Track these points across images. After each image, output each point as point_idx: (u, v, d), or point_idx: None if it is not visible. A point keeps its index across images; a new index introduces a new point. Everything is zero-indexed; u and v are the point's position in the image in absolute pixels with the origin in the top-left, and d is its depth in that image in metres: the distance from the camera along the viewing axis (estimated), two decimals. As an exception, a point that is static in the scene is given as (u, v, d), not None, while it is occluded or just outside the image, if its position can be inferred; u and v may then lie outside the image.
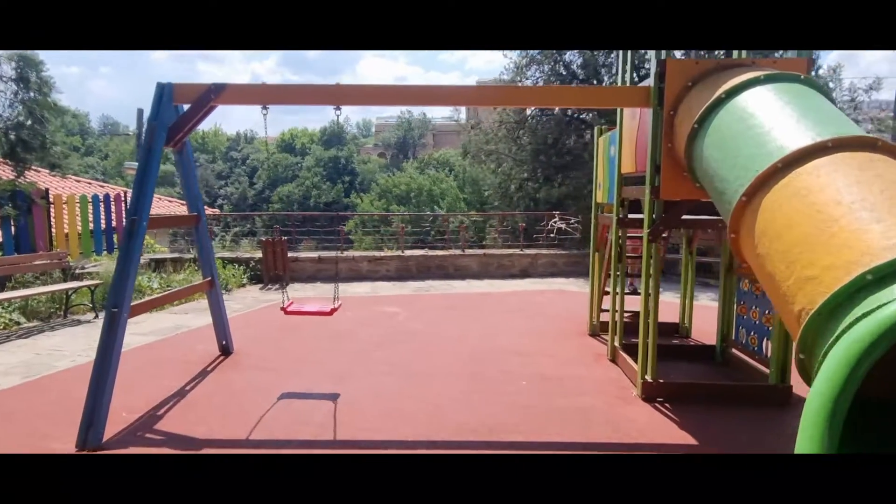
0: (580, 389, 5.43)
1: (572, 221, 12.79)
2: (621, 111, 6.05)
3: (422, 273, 11.82)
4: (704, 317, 7.77)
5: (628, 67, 6.00)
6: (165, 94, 5.05)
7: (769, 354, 5.35)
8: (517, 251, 12.40)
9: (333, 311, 5.51)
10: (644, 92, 5.01)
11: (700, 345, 6.65)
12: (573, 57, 14.58)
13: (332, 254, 11.76)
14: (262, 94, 5.08)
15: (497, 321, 8.24)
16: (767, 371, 5.44)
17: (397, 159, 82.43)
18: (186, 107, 5.25)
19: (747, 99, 4.04)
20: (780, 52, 8.10)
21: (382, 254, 11.99)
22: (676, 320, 7.50)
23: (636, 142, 5.49)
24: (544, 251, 12.47)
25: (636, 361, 5.73)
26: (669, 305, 8.36)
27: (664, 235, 7.47)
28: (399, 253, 11.98)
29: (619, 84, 6.21)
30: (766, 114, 3.80)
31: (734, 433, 4.51)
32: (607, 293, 7.49)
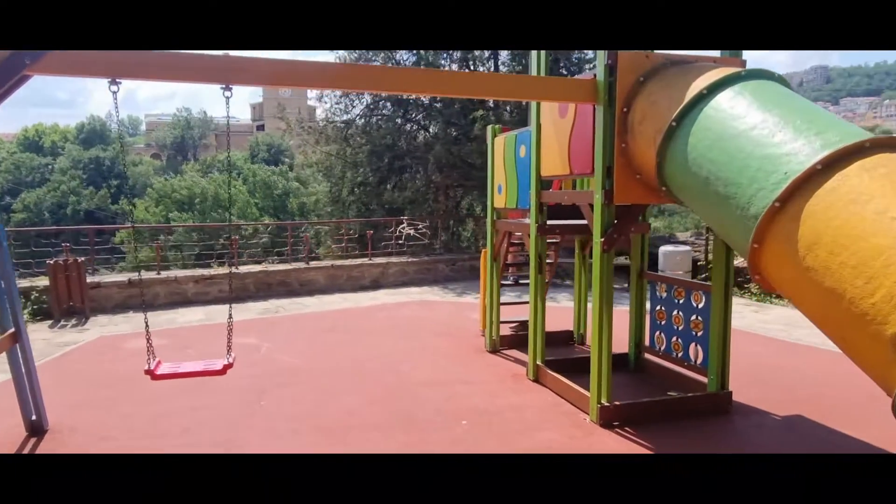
0: (529, 422, 4.78)
1: (420, 227, 12.19)
2: (538, 109, 5.54)
3: (262, 291, 10.19)
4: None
5: (542, 64, 5.51)
6: (-58, 53, 3.22)
7: (698, 360, 5.26)
8: (366, 261, 11.40)
9: (227, 367, 4.14)
10: (590, 86, 4.52)
11: (617, 353, 6.43)
12: (406, 56, 13.99)
13: (151, 275, 9.54)
14: (112, 63, 3.50)
15: (380, 344, 7.24)
16: (694, 376, 5.36)
17: (175, 161, 74.35)
18: (-24, 76, 3.44)
19: (735, 96, 3.72)
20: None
21: (213, 272, 10.08)
22: (567, 327, 7.29)
23: (570, 142, 5.00)
24: (394, 259, 11.66)
25: (568, 379, 5.31)
26: (555, 311, 8.18)
27: (557, 241, 7.23)
28: (234, 270, 10.19)
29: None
30: (768, 112, 3.50)
31: (708, 447, 4.24)
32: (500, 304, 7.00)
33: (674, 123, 3.90)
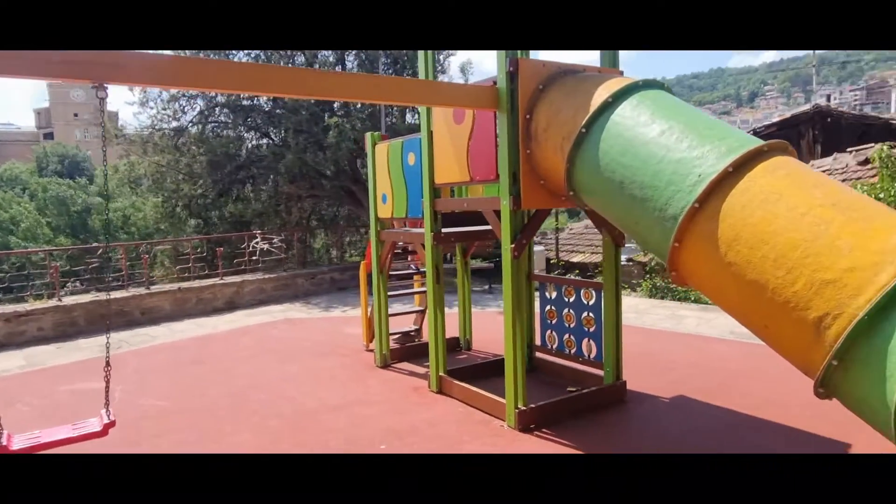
0: (448, 437, 4.64)
1: (275, 241, 11.43)
2: (428, 115, 5.44)
3: (95, 325, 8.76)
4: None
5: (430, 69, 5.42)
6: None
7: (591, 355, 5.53)
8: (218, 280, 10.40)
9: (109, 427, 3.44)
10: (492, 93, 4.53)
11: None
12: (243, 57, 13.05)
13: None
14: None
15: (257, 371, 6.61)
16: (588, 370, 5.64)
17: (-66, 175, 62.14)
18: None
19: (639, 104, 3.94)
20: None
21: (28, 307, 8.44)
22: (454, 334, 7.29)
23: (469, 149, 4.96)
24: (249, 277, 10.79)
25: (472, 386, 5.29)
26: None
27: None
28: (56, 302, 8.64)
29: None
30: (672, 119, 3.75)
31: (624, 436, 4.47)
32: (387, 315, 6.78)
33: (583, 130, 4.03)
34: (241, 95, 12.27)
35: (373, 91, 4.41)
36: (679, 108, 3.91)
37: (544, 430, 4.69)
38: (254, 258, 11.15)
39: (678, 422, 4.82)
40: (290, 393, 5.82)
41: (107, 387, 3.57)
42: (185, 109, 13.33)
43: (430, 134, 5.39)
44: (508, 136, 4.49)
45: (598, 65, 5.05)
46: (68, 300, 8.89)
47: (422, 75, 5.43)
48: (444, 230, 5.78)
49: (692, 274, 3.54)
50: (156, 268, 13.60)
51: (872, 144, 11.46)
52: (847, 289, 2.75)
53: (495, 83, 4.59)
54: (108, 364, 3.54)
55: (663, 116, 3.81)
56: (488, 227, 6.08)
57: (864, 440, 4.12)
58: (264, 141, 13.57)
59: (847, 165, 11.19)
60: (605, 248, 5.26)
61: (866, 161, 10.49)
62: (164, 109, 13.26)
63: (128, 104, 38.02)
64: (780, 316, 3.01)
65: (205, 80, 3.50)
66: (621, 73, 4.97)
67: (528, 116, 4.49)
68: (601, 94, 4.08)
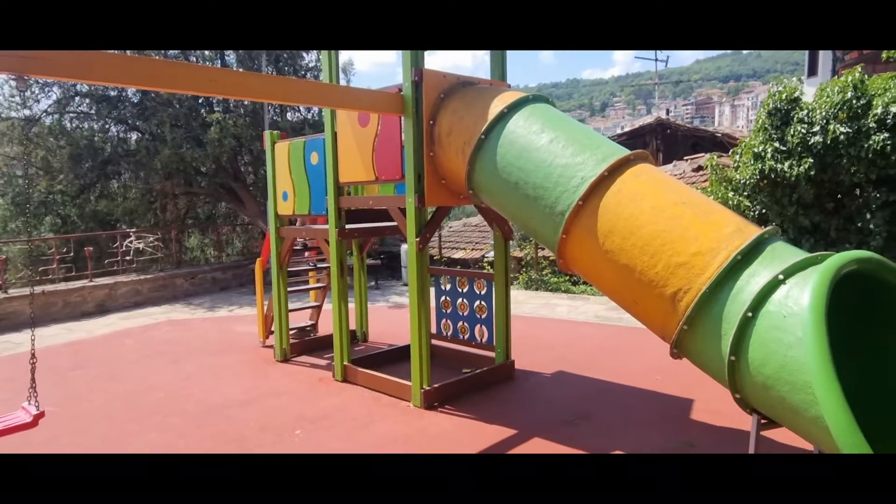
0: (361, 419, 4.97)
1: (151, 240, 10.86)
2: (332, 117, 5.70)
3: (-57, 334, 7.91)
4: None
5: (333, 70, 5.69)
6: None
7: (483, 339, 6.12)
8: (87, 283, 9.73)
9: (39, 417, 3.41)
10: (398, 99, 4.93)
11: (405, 345, 6.93)
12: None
13: None
14: None
15: (150, 373, 6.43)
16: (479, 353, 6.22)
17: None
18: None
19: (530, 115, 4.53)
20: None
21: None
22: (351, 327, 7.55)
23: (375, 150, 5.31)
24: (122, 278, 10.19)
25: (377, 373, 5.67)
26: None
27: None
28: None
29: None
30: (559, 130, 4.37)
31: (518, 407, 5.07)
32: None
33: (483, 136, 4.56)
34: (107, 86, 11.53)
35: (290, 93, 4.63)
36: (563, 119, 4.57)
37: (447, 406, 5.17)
38: (127, 258, 10.54)
39: (559, 390, 5.54)
40: (191, 391, 5.79)
41: (32, 377, 3.50)
42: (38, 98, 12.21)
43: (335, 135, 5.66)
44: (414, 139, 4.91)
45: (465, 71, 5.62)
46: None
47: (325, 77, 5.69)
48: (359, 226, 6.08)
49: (576, 261, 4.19)
50: (9, 270, 12.26)
51: (703, 154, 13.36)
52: (694, 269, 3.49)
53: (401, 90, 4.99)
54: (33, 356, 3.49)
55: (551, 127, 4.43)
56: (387, 224, 6.51)
57: (702, 395, 5.08)
58: (133, 134, 12.80)
59: (684, 172, 12.94)
60: (496, 242, 5.86)
61: (699, 168, 12.25)
62: (13, 97, 12.06)
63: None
64: (646, 293, 3.71)
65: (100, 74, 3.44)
66: (509, 87, 5.60)
67: (431, 122, 4.94)
68: (497, 105, 4.64)
